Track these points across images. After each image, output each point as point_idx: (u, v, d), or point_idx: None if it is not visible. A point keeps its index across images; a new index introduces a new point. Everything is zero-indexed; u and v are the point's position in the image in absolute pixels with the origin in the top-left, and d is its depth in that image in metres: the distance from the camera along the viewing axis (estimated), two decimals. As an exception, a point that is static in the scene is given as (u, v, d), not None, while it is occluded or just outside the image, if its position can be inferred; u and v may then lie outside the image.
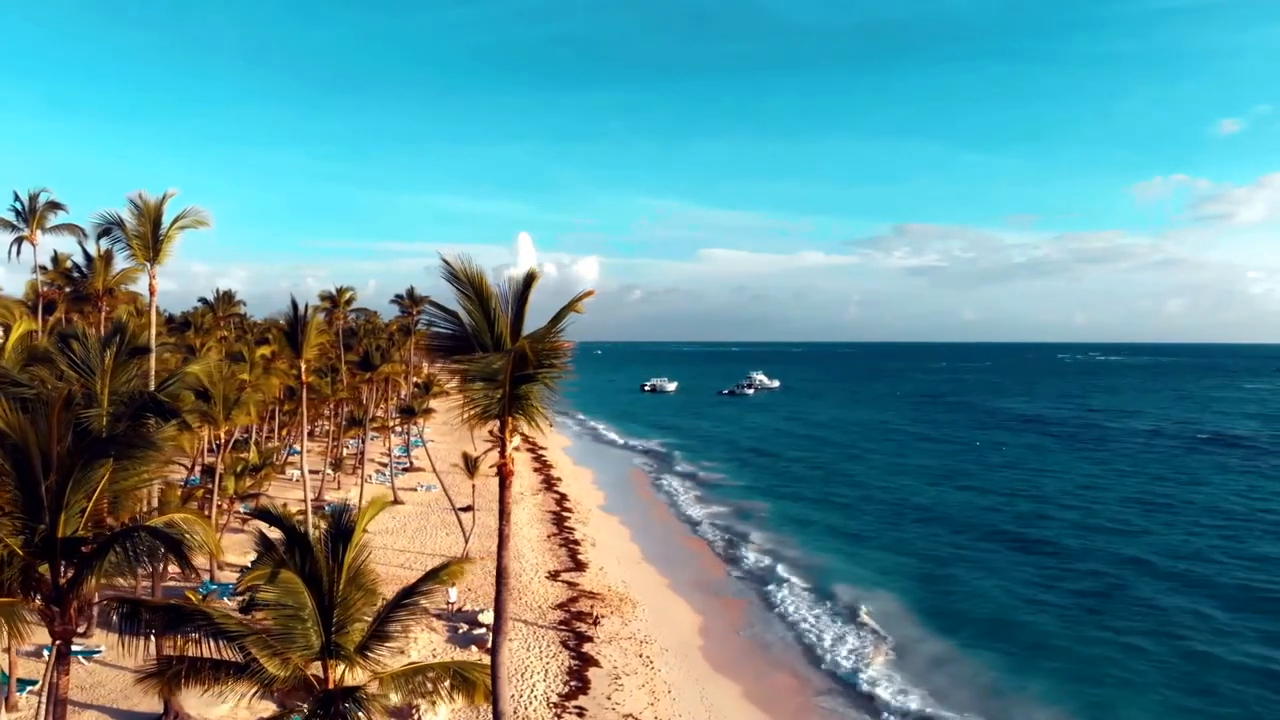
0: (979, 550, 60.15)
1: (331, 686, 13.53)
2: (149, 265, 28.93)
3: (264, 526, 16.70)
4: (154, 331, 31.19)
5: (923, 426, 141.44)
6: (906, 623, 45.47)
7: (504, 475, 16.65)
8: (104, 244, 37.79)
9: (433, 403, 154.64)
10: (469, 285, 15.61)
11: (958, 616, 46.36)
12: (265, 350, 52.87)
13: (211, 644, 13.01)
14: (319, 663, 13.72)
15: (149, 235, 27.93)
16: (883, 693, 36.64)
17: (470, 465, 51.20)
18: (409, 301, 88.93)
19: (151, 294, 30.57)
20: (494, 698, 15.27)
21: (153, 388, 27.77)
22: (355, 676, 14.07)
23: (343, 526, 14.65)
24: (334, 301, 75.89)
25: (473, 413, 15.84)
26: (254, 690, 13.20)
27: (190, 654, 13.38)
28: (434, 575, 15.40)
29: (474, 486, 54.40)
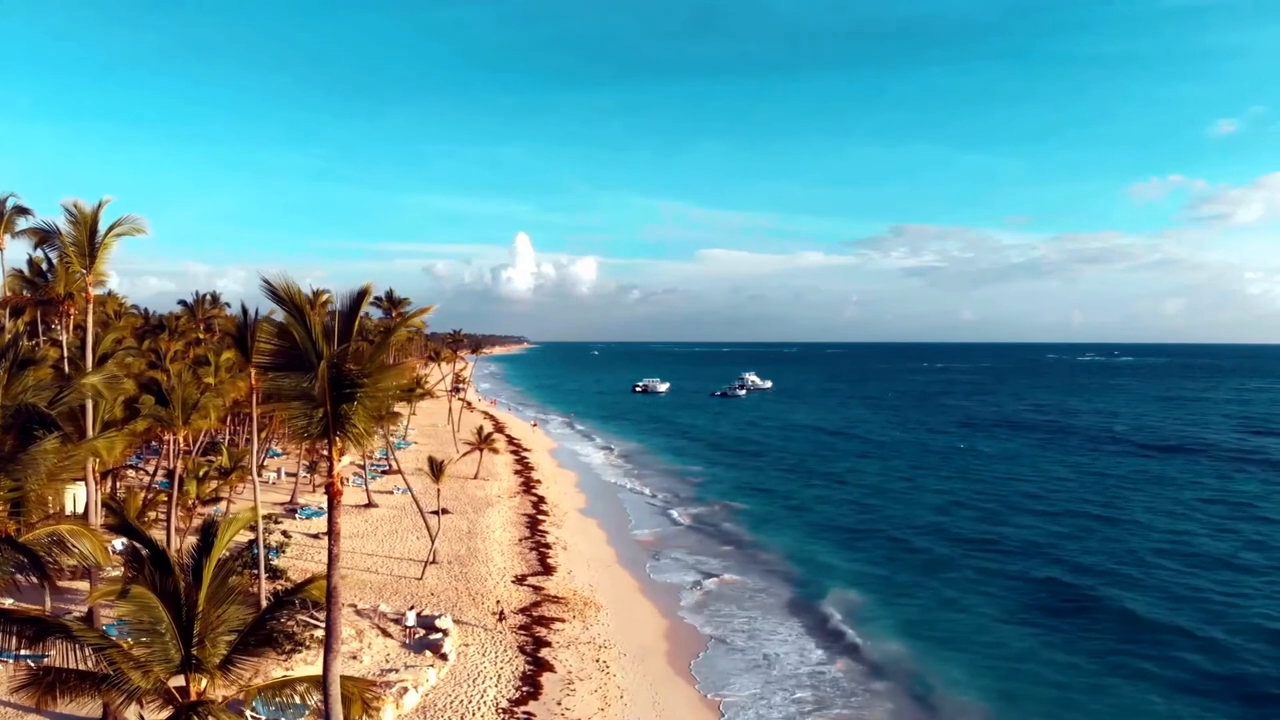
0: (940, 559, 59.36)
1: (194, 699, 13.59)
2: (84, 273, 29.04)
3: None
4: (90, 338, 31.22)
5: (898, 430, 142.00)
6: (863, 628, 45.48)
7: (331, 495, 16.58)
8: (41, 251, 37.84)
9: (422, 404, 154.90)
10: (289, 303, 15.60)
11: (914, 625, 46.07)
12: (232, 354, 52.72)
13: (79, 655, 13.05)
14: (182, 675, 13.77)
15: (85, 243, 27.97)
16: (836, 699, 36.70)
17: (435, 469, 51.16)
18: (388, 304, 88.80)
19: (87, 300, 30.58)
20: (325, 714, 15.26)
21: (90, 401, 27.85)
22: (223, 689, 14.12)
23: (206, 541, 14.68)
24: (310, 304, 75.52)
25: (292, 431, 15.81)
26: (120, 701, 13.27)
27: (59, 665, 13.43)
28: (300, 589, 15.44)
29: (439, 490, 54.25)
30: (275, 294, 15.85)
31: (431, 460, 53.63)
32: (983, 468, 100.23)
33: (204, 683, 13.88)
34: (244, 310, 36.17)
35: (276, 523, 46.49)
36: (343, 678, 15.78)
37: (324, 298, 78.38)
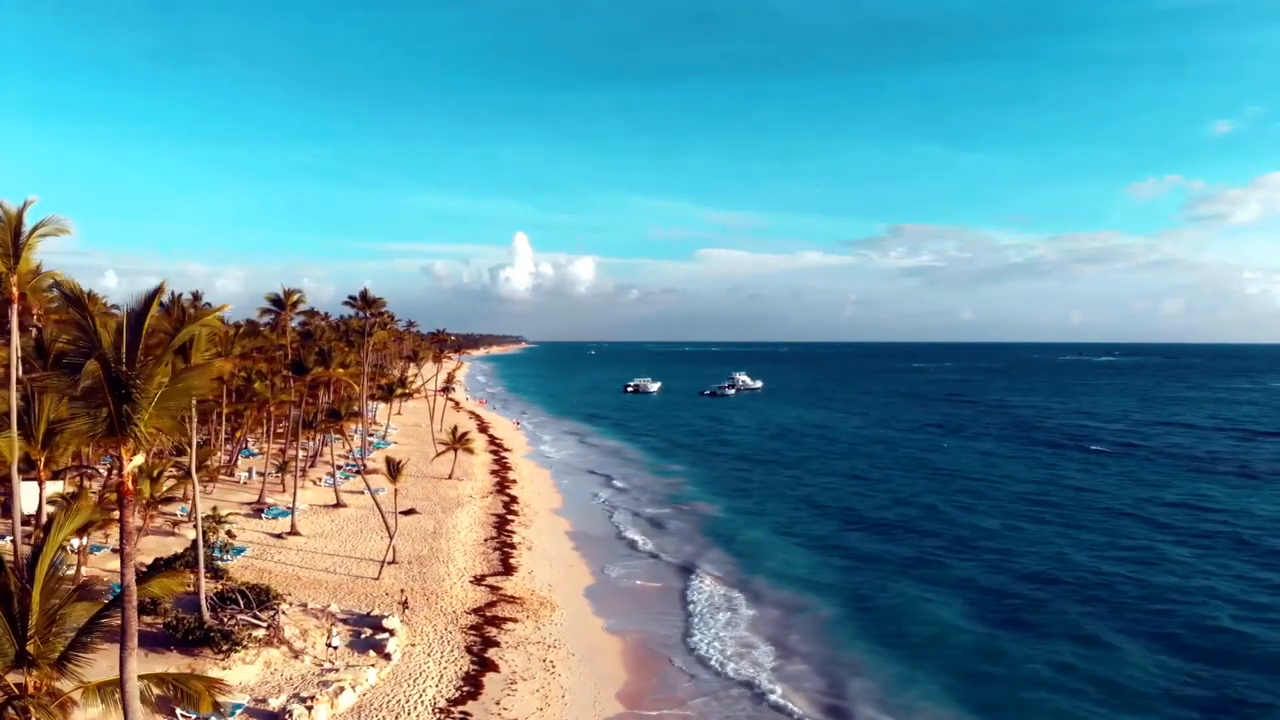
0: (896, 567, 58.03)
1: (31, 693, 13.67)
2: (7, 272, 29.07)
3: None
4: (15, 340, 31.24)
5: (875, 429, 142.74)
6: (816, 633, 45.42)
7: (123, 496, 16.56)
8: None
9: (410, 404, 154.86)
10: (73, 300, 15.60)
11: (863, 630, 45.70)
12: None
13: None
14: (19, 670, 13.82)
15: (9, 243, 28.03)
16: (779, 701, 36.75)
17: (392, 469, 51.17)
18: (363, 303, 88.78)
19: (11, 301, 30.62)
20: (124, 713, 15.31)
21: (14, 399, 27.90)
22: (63, 685, 14.17)
23: (43, 540, 14.72)
24: (280, 304, 75.56)
25: (77, 431, 15.79)
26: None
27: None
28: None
29: (395, 491, 54.31)
30: (61, 291, 15.84)
31: (389, 460, 53.62)
32: (942, 469, 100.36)
33: (38, 677, 13.93)
34: (184, 308, 36.10)
35: (220, 522, 46.45)
36: (190, 675, 15.86)
37: (294, 298, 78.77)
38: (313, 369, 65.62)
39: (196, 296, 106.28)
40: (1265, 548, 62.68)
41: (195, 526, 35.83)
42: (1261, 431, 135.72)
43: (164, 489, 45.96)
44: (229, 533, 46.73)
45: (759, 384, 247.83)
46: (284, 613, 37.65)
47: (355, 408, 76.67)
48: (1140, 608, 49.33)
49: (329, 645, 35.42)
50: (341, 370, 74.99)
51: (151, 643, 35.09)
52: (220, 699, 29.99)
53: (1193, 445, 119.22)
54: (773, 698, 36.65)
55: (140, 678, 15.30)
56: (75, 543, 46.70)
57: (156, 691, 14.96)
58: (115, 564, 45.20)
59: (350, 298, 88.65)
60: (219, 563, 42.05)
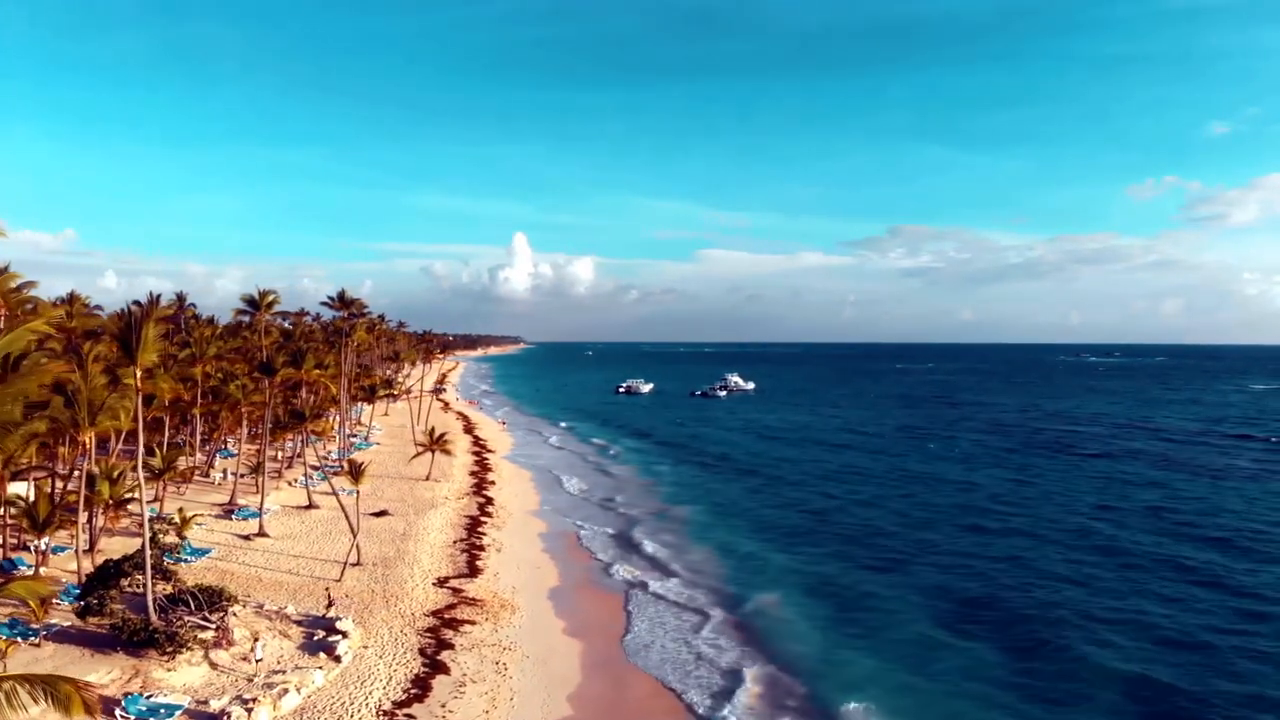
0: (859, 575, 57.24)
1: None
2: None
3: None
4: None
5: (856, 432, 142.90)
6: (787, 639, 45.16)
7: None
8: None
9: (399, 405, 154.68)
10: None
11: (839, 636, 45.66)
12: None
13: None
14: None
15: (-60, 245, 28.15)
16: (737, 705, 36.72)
17: (354, 471, 51.16)
18: (340, 304, 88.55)
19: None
20: None
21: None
22: None
23: None
24: (255, 305, 75.42)
25: None
26: None
27: None
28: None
29: (358, 492, 54.27)
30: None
31: (350, 462, 53.64)
32: (907, 472, 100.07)
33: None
34: (128, 309, 36.12)
35: (179, 525, 46.42)
36: (59, 677, 15.85)
37: (269, 299, 78.70)
38: (281, 370, 65.50)
39: (181, 299, 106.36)
40: (1191, 562, 59.98)
41: (143, 528, 35.84)
42: (1231, 434, 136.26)
43: (124, 490, 45.90)
44: (179, 534, 46.67)
45: (751, 385, 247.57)
46: (235, 614, 37.60)
47: (325, 409, 76.54)
48: (1071, 621, 47.72)
49: (255, 660, 34.96)
50: (317, 371, 74.91)
51: (98, 644, 35.16)
52: (155, 701, 29.97)
53: (1159, 448, 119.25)
54: (730, 701, 36.66)
55: (7, 678, 15.32)
56: (38, 543, 46.77)
57: (24, 694, 14.93)
58: (74, 565, 45.22)
59: (329, 298, 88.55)
60: (170, 564, 41.88)
